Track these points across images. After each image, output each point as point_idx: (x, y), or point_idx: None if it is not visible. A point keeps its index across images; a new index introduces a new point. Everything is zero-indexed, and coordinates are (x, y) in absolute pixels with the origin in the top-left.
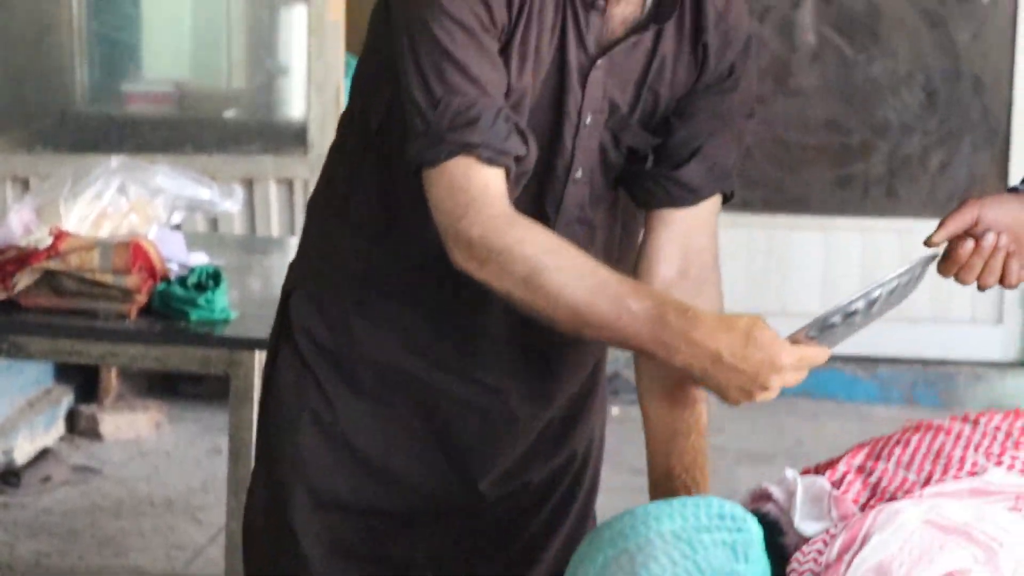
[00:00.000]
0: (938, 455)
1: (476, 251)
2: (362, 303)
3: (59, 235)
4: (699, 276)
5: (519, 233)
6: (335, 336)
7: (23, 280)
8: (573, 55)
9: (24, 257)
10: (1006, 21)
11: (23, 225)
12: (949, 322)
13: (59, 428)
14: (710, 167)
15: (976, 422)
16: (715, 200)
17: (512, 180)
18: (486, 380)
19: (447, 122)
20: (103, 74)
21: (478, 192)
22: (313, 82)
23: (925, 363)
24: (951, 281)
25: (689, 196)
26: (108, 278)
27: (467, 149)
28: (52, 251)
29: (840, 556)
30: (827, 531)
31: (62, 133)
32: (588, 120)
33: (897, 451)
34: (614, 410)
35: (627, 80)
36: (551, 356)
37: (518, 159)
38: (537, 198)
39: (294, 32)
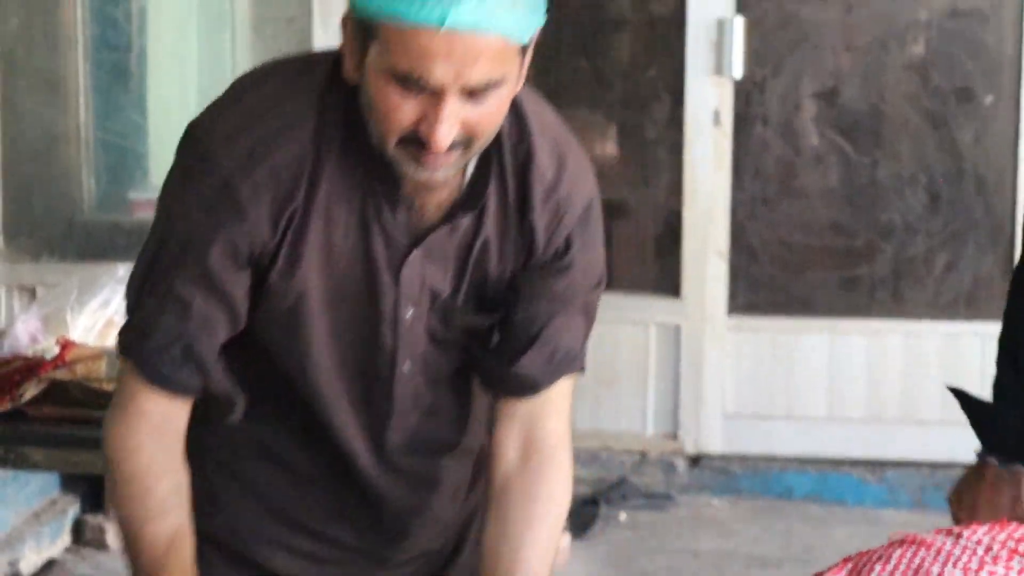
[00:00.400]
0: (917, 571)
1: (104, 447)
2: (224, 469)
3: (66, 344)
4: (541, 462)
5: (122, 450)
6: (197, 506)
7: (30, 390)
8: (379, 250)
9: (30, 367)
10: (1008, 121)
11: (29, 335)
12: (957, 425)
13: (65, 539)
14: (550, 354)
15: (960, 535)
16: (563, 381)
17: (224, 399)
18: (350, 541)
19: (131, 324)
20: (110, 182)
21: (126, 397)
22: None
23: (934, 466)
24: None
25: (529, 389)
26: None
27: (131, 357)
28: (59, 361)
29: None
30: None
31: (69, 241)
32: (409, 314)
33: (878, 567)
34: (622, 515)
35: (448, 265)
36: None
37: (205, 391)
38: (366, 397)
39: None
